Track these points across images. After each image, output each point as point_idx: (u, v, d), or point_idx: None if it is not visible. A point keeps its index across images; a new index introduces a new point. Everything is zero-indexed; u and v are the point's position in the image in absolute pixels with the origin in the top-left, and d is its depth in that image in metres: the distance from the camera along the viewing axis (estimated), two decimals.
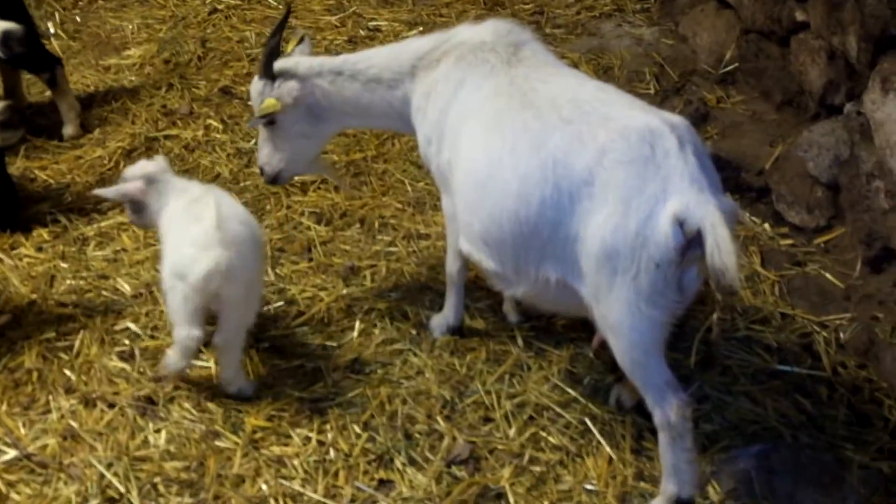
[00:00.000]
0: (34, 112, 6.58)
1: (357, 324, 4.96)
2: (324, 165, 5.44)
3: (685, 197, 3.87)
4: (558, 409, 4.52)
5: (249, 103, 6.42)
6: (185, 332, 4.43)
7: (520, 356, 4.78)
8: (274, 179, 5.01)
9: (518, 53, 4.47)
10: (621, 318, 3.97)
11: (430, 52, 4.66)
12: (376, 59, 4.79)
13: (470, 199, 4.31)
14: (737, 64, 6.51)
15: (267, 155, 4.95)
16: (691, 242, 3.87)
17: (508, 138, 4.20)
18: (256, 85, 4.86)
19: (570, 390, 4.60)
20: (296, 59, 4.86)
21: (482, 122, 4.32)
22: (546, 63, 4.49)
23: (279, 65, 4.81)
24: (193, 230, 4.41)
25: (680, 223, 3.85)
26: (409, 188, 5.87)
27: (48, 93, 6.54)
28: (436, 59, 4.61)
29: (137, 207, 4.76)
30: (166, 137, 6.29)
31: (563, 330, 4.92)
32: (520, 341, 4.85)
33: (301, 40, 4.97)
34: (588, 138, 4.05)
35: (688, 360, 4.70)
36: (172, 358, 4.51)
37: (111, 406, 4.52)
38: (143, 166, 4.77)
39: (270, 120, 4.82)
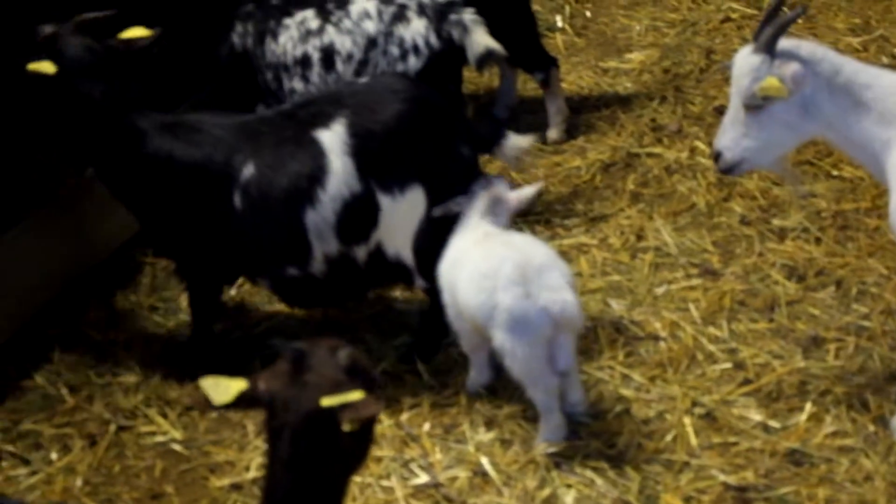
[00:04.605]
0: (524, 109, 6.50)
1: (808, 406, 4.44)
2: (786, 167, 4.72)
3: None
4: None
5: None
6: (550, 379, 4.24)
7: None
8: (730, 169, 4.35)
9: None
10: None
11: None
12: (879, 81, 4.11)
13: None
14: None
15: (732, 139, 4.26)
16: None
17: None
18: (751, 59, 4.15)
19: None
20: (797, 42, 4.21)
21: None
22: None
23: (779, 43, 4.15)
24: (505, 269, 4.19)
25: None
26: None
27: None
28: None
29: None
30: (648, 155, 5.99)
31: None
32: None
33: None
34: None
35: None
36: (549, 427, 4.31)
37: (526, 448, 4.33)
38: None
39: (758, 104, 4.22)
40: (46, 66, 4.39)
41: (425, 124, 4.49)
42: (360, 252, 4.51)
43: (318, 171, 4.40)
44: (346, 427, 2.85)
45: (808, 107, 4.16)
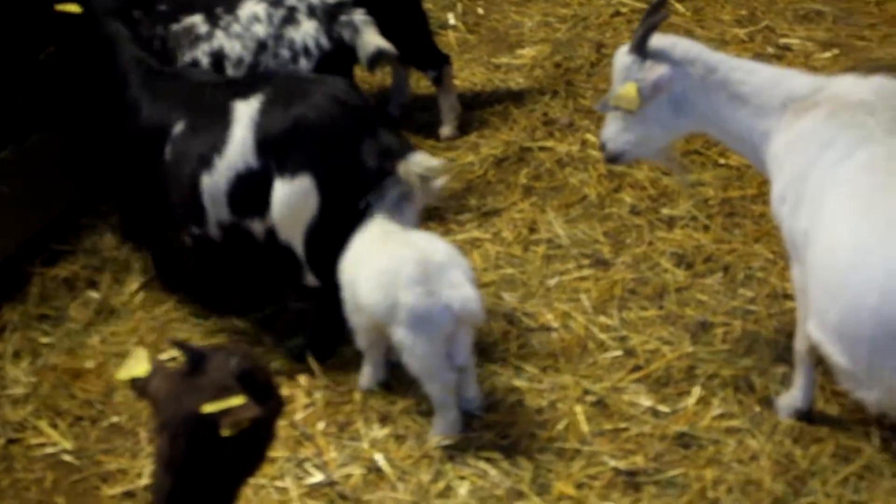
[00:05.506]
0: (417, 107, 6.52)
1: (696, 389, 4.52)
2: (671, 157, 4.78)
3: None
4: None
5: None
6: (448, 375, 4.28)
7: (873, 457, 4.17)
8: (614, 158, 4.53)
9: None
10: None
11: (806, 95, 4.08)
12: (753, 76, 4.21)
13: (826, 285, 3.75)
14: None
15: (613, 132, 4.44)
16: None
17: (880, 223, 3.62)
18: (624, 59, 4.29)
19: None
20: (674, 40, 4.31)
21: (851, 198, 3.75)
22: None
23: (654, 42, 4.26)
24: (408, 268, 4.21)
25: None
26: None
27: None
28: (807, 108, 4.04)
29: None
30: (540, 149, 6.03)
31: None
32: (875, 439, 4.23)
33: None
34: None
35: None
36: (444, 422, 4.34)
37: (420, 443, 4.36)
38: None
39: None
40: (72, 7, 4.73)
41: (334, 123, 4.50)
42: (257, 227, 4.59)
43: (219, 139, 4.54)
44: (224, 432, 2.85)
45: (681, 105, 4.28)
